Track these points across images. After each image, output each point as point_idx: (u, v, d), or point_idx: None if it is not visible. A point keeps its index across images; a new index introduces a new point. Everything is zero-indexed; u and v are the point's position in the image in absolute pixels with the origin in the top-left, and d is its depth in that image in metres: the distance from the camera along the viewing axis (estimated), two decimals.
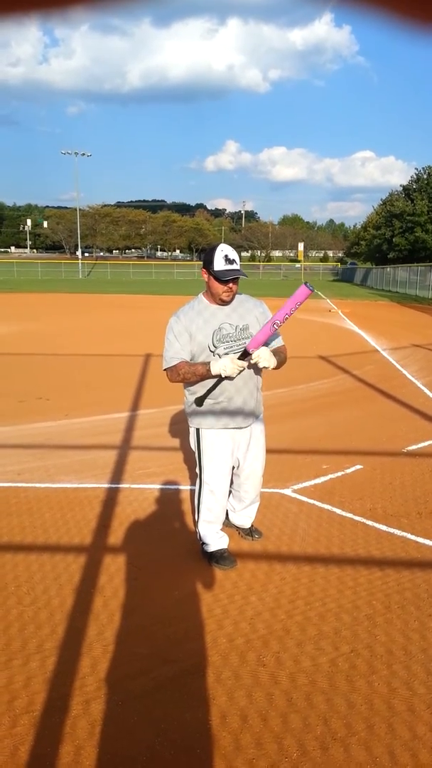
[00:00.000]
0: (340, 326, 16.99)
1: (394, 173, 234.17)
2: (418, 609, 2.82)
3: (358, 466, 4.91)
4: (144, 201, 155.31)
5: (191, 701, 2.19)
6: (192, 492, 3.96)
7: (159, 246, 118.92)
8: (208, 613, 2.74)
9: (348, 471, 4.80)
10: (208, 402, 3.07)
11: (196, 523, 3.31)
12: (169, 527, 3.73)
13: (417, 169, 53.04)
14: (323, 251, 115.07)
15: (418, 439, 5.66)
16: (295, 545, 3.45)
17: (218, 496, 3.17)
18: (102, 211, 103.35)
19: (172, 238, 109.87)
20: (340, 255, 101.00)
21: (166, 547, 3.43)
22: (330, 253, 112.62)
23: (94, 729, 2.05)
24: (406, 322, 19.33)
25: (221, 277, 2.90)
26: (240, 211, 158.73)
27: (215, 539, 3.22)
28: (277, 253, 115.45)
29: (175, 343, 3.04)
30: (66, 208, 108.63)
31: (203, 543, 3.27)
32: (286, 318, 2.92)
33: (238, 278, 2.94)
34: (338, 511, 3.99)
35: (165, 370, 3.08)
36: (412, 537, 3.61)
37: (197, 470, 3.24)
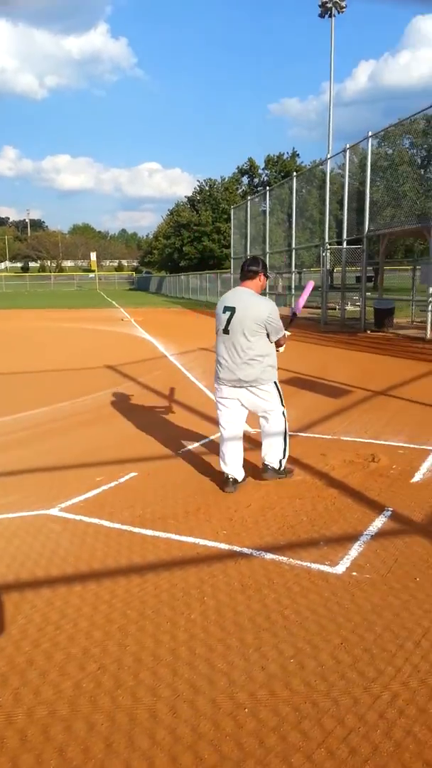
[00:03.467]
0: (131, 334, 17.14)
1: (181, 184, 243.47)
2: (172, 609, 2.86)
3: (133, 474, 4.91)
4: None
5: None
6: None
7: None
8: None
9: (122, 480, 4.77)
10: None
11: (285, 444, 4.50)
12: None
13: (199, 181, 55.94)
14: (117, 261, 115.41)
15: (194, 439, 5.86)
16: (53, 568, 3.30)
17: None
18: None
19: None
20: (134, 264, 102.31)
21: None
22: (124, 263, 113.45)
23: None
24: (196, 326, 20.19)
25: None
26: (25, 220, 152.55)
27: None
28: (69, 263, 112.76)
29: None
30: None
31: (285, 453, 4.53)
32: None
33: (250, 275, 4.38)
34: (106, 523, 3.93)
35: (285, 336, 4.45)
36: (176, 537, 3.68)
37: (282, 407, 4.45)
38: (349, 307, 18.65)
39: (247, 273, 4.35)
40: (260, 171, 50.73)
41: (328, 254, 16.66)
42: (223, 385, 4.39)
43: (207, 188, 52.65)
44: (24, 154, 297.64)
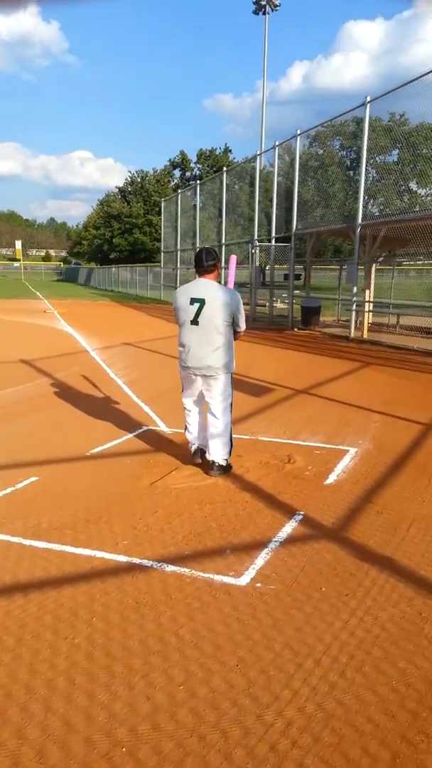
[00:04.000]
0: (53, 327, 16.49)
1: (114, 175, 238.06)
2: (55, 633, 2.59)
3: (33, 479, 4.56)
4: None
5: None
6: None
7: None
8: None
9: (19, 485, 4.41)
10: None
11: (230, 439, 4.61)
12: None
13: (131, 172, 54.91)
14: (45, 250, 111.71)
15: (105, 440, 5.55)
16: None
17: None
18: None
19: None
20: (63, 254, 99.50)
21: None
22: (53, 252, 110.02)
23: None
24: (122, 320, 19.72)
25: None
26: None
27: None
28: None
29: None
30: None
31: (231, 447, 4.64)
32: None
33: (206, 268, 4.48)
34: None
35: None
36: (71, 549, 3.39)
37: (230, 402, 4.58)
38: (278, 305, 18.72)
39: (207, 268, 4.48)
40: (192, 165, 50.36)
41: (257, 251, 16.61)
42: (190, 372, 4.56)
43: (138, 180, 51.82)
44: None
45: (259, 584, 3.00)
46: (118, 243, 50.56)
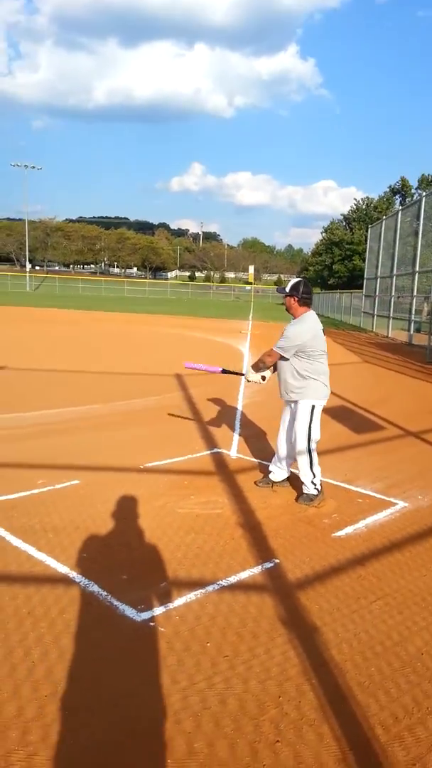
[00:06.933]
0: (232, 346, 17.09)
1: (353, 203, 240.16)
2: None
3: (75, 481, 4.84)
4: (106, 218, 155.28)
5: None
6: None
7: (115, 263, 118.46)
8: None
9: (59, 486, 4.73)
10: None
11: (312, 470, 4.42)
12: None
13: (356, 200, 54.49)
14: (278, 275, 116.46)
15: (169, 456, 5.63)
16: None
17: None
18: (53, 225, 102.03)
19: (126, 255, 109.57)
20: None
21: None
22: (284, 277, 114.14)
23: None
24: None
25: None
26: (202, 232, 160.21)
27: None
28: (231, 275, 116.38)
29: None
30: (17, 219, 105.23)
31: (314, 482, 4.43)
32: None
33: (284, 294, 4.57)
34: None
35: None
36: (32, 552, 3.53)
37: (308, 433, 4.45)
38: None
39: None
40: (413, 191, 48.02)
41: None
42: (326, 399, 4.61)
43: (363, 207, 51.30)
44: (209, 171, 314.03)
45: (152, 623, 2.81)
46: (338, 269, 50.49)
